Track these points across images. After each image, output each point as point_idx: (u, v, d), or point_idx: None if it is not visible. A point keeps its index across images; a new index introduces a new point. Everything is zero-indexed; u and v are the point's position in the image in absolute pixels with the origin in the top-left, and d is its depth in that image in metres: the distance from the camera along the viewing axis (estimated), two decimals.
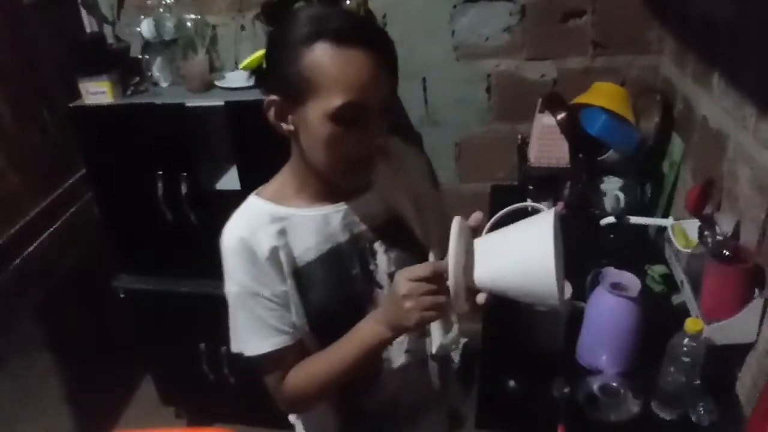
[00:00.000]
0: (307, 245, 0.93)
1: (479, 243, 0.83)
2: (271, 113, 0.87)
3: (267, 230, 0.91)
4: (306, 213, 0.93)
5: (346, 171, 0.87)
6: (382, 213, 0.98)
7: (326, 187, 0.93)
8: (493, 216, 0.85)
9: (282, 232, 0.92)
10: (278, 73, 0.83)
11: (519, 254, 0.78)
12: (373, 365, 0.96)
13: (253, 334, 0.93)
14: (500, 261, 0.80)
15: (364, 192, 0.97)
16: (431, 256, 0.95)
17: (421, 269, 0.81)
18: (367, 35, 0.81)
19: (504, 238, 0.82)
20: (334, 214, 0.94)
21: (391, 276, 0.98)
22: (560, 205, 1.77)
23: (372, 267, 0.97)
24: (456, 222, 0.82)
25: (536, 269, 0.75)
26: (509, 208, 0.87)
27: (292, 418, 1.16)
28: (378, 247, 0.98)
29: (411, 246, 0.98)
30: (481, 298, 0.81)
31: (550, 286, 0.74)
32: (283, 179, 0.97)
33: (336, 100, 0.79)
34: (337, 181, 0.91)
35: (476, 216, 0.84)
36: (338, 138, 0.82)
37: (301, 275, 0.93)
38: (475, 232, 0.83)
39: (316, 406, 1.02)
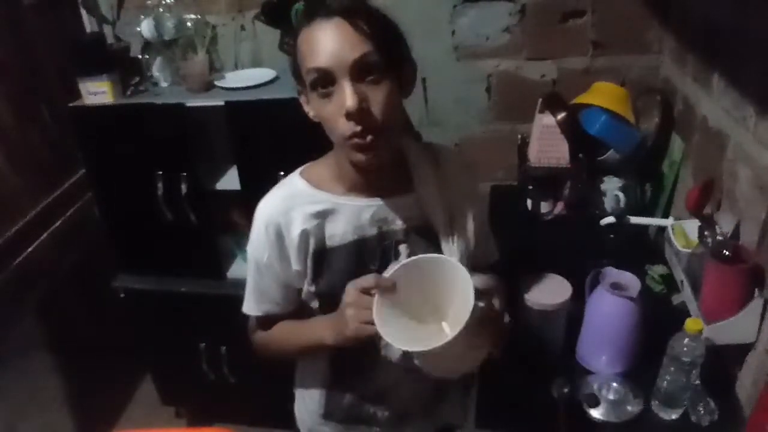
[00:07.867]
0: (334, 231, 0.96)
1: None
2: (303, 103, 0.93)
3: (303, 210, 0.95)
4: (340, 201, 0.96)
5: (347, 146, 0.87)
6: (415, 218, 0.98)
7: (361, 179, 0.95)
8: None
9: (316, 215, 0.95)
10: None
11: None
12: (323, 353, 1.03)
13: (252, 296, 1.04)
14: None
15: (402, 193, 0.98)
16: None
17: (366, 280, 0.84)
18: (333, 7, 0.84)
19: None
20: (367, 208, 0.96)
21: None
22: (560, 205, 1.77)
23: None
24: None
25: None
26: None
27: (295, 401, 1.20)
28: (403, 249, 0.98)
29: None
30: None
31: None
32: (326, 163, 1.00)
33: (308, 69, 0.84)
34: (351, 159, 0.90)
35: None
36: (323, 107, 0.86)
37: (321, 258, 0.97)
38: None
39: (277, 360, 1.11)
